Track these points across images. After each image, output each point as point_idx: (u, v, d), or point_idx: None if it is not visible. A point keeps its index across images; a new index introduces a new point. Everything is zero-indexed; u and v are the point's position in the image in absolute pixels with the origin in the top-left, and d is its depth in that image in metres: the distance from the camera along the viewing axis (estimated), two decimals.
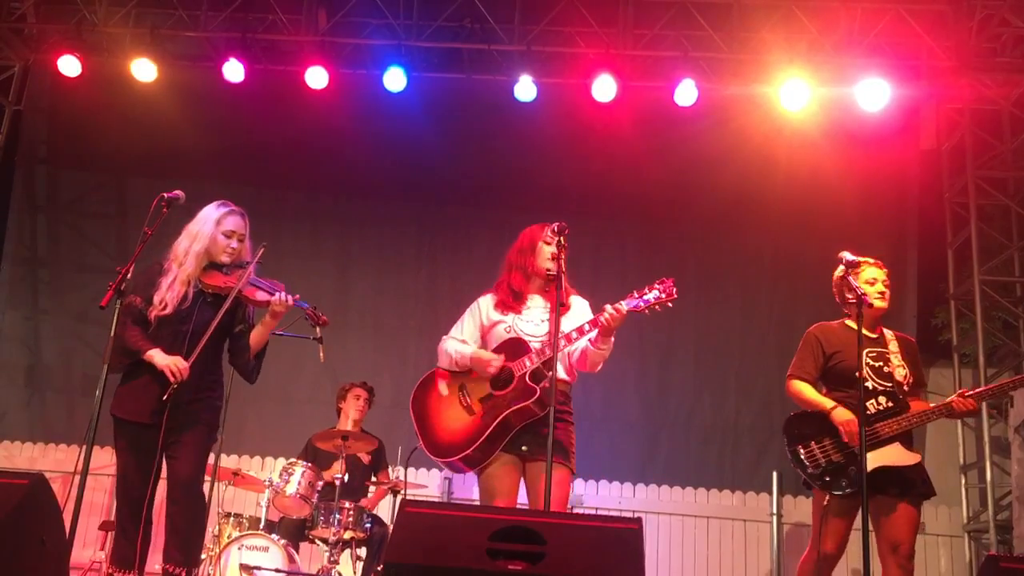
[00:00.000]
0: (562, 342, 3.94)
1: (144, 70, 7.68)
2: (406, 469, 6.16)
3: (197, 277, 4.09)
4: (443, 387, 4.19)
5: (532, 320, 4.16)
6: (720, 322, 7.85)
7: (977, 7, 7.28)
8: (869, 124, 7.61)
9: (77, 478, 3.56)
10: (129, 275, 3.83)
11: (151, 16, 7.94)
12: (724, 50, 7.51)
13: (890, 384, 4.27)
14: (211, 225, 4.15)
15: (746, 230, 7.97)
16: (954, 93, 7.77)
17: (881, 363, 4.31)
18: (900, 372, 4.31)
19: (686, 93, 7.40)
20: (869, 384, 4.26)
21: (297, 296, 4.10)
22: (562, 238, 4.03)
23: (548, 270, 4.15)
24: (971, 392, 4.25)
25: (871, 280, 4.38)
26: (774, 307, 7.83)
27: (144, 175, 8.25)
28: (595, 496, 7.54)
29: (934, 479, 6.56)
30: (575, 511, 7.07)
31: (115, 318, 3.75)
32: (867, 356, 4.31)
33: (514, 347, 4.05)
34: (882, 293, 4.37)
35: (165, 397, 3.87)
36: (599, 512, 7.26)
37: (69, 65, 7.70)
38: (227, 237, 4.17)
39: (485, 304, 4.28)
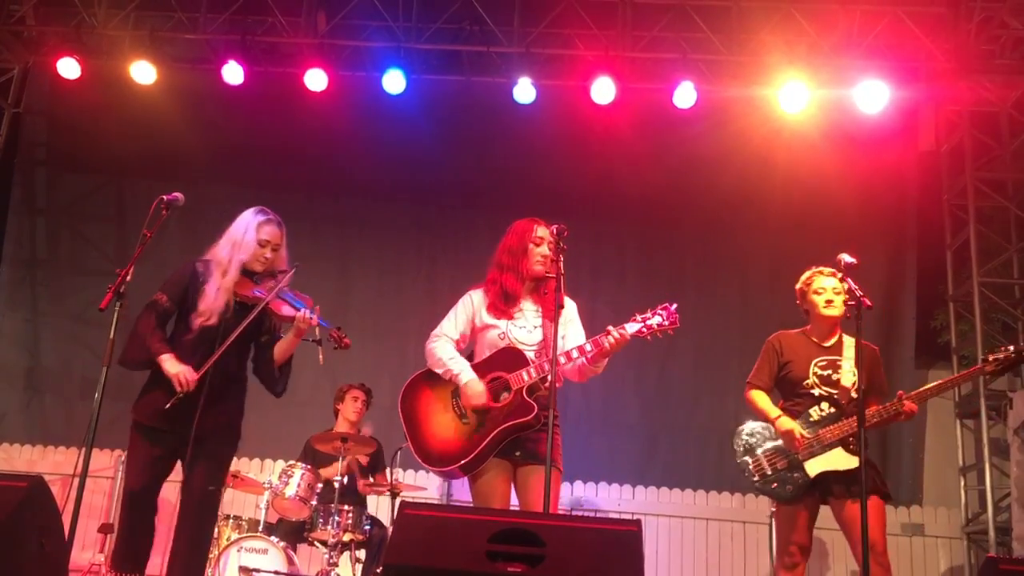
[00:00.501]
0: (562, 359, 3.94)
1: (143, 72, 7.68)
2: (392, 469, 6.15)
3: (234, 288, 4.10)
4: (434, 390, 4.11)
5: (525, 326, 4.11)
6: (719, 323, 7.85)
7: (976, 9, 7.29)
8: (868, 126, 7.61)
9: (76, 480, 3.56)
10: (128, 277, 3.82)
11: (150, 19, 7.95)
12: (723, 52, 7.52)
13: (835, 391, 4.39)
14: (252, 233, 4.14)
15: (745, 232, 7.98)
16: (953, 95, 7.77)
17: (830, 371, 4.44)
18: (848, 378, 4.39)
19: (685, 95, 7.40)
20: (816, 391, 4.41)
21: (318, 311, 4.09)
22: (560, 241, 3.97)
23: (545, 272, 4.11)
24: (910, 394, 4.32)
25: (819, 290, 4.53)
26: (773, 308, 7.80)
27: (143, 177, 8.25)
28: (594, 498, 7.53)
29: (933, 481, 6.66)
30: (574, 513, 7.08)
31: (114, 320, 3.73)
32: (816, 365, 4.46)
33: (511, 359, 4.02)
34: (829, 302, 4.50)
35: (168, 406, 3.87)
36: (598, 514, 7.27)
37: (68, 67, 7.70)
38: (262, 246, 4.17)
39: (478, 300, 4.22)
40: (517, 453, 3.95)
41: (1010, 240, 7.72)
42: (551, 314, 3.94)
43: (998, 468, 7.33)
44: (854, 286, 4.15)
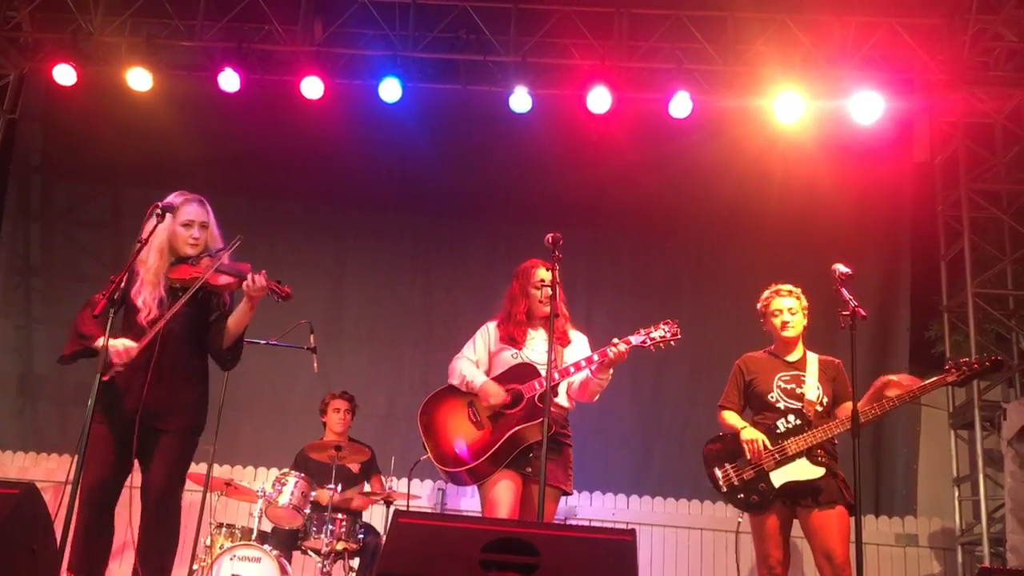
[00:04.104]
0: (557, 375, 4.16)
1: (140, 79, 7.67)
2: (409, 482, 6.13)
3: (164, 274, 3.96)
4: (452, 401, 4.36)
5: (537, 350, 4.38)
6: (714, 333, 7.83)
7: (970, 21, 7.31)
8: (863, 137, 7.64)
9: (68, 488, 3.53)
10: (123, 284, 3.79)
11: (147, 25, 7.94)
12: (719, 62, 7.55)
13: (799, 404, 4.47)
14: (167, 218, 3.96)
15: (741, 242, 7.98)
16: (947, 106, 7.79)
17: (793, 385, 4.54)
18: (812, 393, 4.49)
19: (681, 105, 7.41)
20: (781, 405, 4.50)
21: (264, 272, 3.90)
22: (556, 249, 4.11)
23: (545, 314, 4.31)
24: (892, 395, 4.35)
25: (776, 312, 4.64)
26: None
27: (139, 184, 8.22)
28: (588, 507, 7.51)
29: (927, 492, 6.68)
30: (568, 523, 7.06)
31: (107, 327, 3.68)
32: (780, 379, 4.56)
33: (523, 371, 4.29)
34: (785, 323, 4.61)
35: (106, 378, 3.68)
36: (592, 524, 7.24)
37: (64, 74, 7.68)
38: (186, 227, 4.02)
39: (493, 330, 4.50)
40: (528, 469, 4.16)
41: (1004, 251, 7.75)
42: (559, 341, 4.26)
43: (992, 479, 7.33)
44: (848, 296, 4.16)
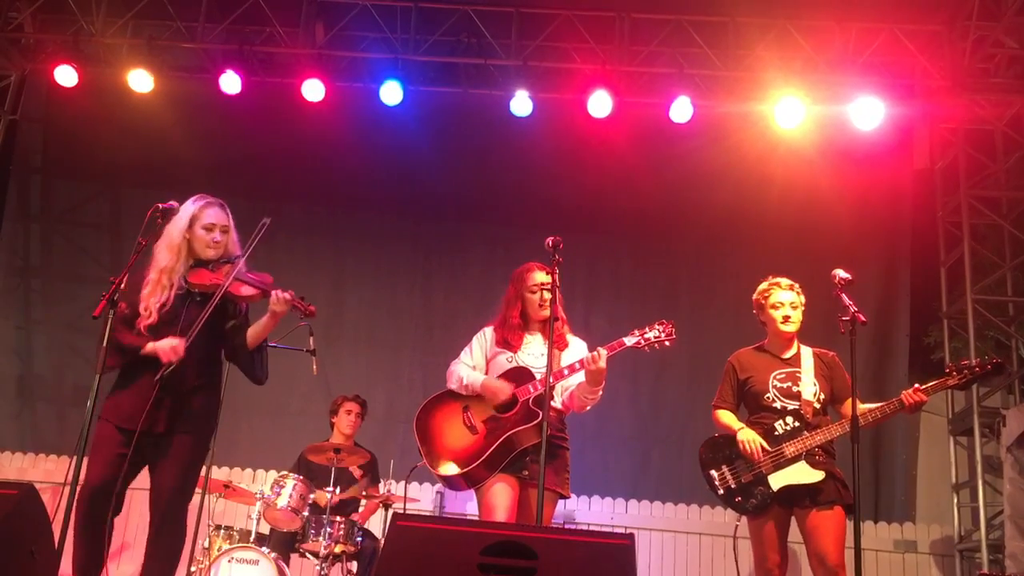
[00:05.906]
0: (551, 378, 4.10)
1: (141, 81, 7.68)
2: (407, 486, 6.13)
3: (183, 276, 3.95)
4: (447, 407, 4.34)
5: (532, 354, 4.35)
6: (713, 338, 7.82)
7: (971, 28, 7.32)
8: (863, 143, 7.65)
9: (67, 489, 3.52)
10: (123, 286, 3.77)
11: (148, 27, 7.95)
12: (719, 67, 7.55)
13: (797, 404, 4.37)
14: (186, 220, 3.98)
15: (741, 247, 7.98)
16: (948, 113, 7.81)
17: (789, 383, 4.43)
18: (809, 390, 4.39)
19: (681, 110, 7.43)
20: (777, 405, 4.40)
21: (292, 292, 3.92)
22: (556, 253, 4.10)
23: (542, 317, 4.32)
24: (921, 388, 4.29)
25: (776, 304, 4.51)
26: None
27: (139, 186, 8.24)
28: (587, 512, 7.51)
29: (926, 498, 6.60)
30: (566, 527, 7.06)
31: (107, 328, 3.67)
32: (775, 378, 4.45)
33: (519, 374, 4.24)
34: (787, 317, 4.48)
35: (157, 376, 3.75)
36: (591, 528, 7.24)
37: (66, 75, 7.70)
38: (208, 231, 4.01)
39: (490, 335, 4.47)
40: (525, 472, 4.15)
41: (1004, 257, 7.75)
42: (556, 345, 4.22)
43: (991, 485, 7.33)
44: (848, 302, 4.14)
